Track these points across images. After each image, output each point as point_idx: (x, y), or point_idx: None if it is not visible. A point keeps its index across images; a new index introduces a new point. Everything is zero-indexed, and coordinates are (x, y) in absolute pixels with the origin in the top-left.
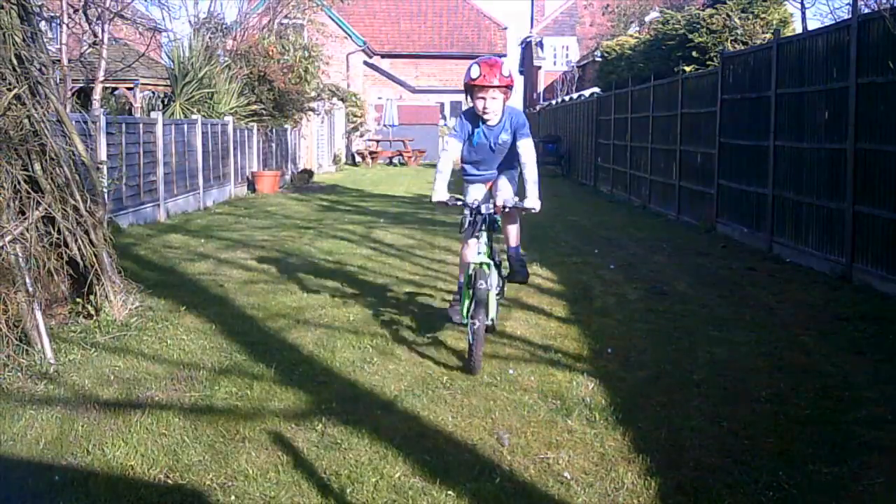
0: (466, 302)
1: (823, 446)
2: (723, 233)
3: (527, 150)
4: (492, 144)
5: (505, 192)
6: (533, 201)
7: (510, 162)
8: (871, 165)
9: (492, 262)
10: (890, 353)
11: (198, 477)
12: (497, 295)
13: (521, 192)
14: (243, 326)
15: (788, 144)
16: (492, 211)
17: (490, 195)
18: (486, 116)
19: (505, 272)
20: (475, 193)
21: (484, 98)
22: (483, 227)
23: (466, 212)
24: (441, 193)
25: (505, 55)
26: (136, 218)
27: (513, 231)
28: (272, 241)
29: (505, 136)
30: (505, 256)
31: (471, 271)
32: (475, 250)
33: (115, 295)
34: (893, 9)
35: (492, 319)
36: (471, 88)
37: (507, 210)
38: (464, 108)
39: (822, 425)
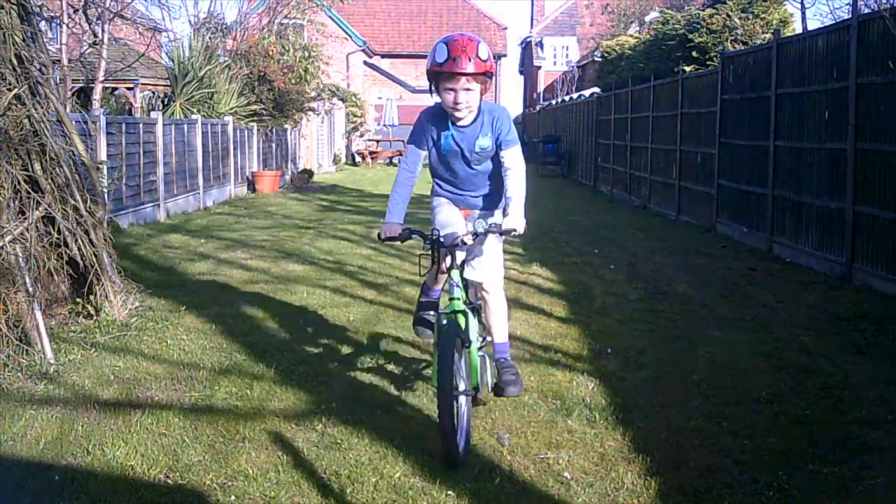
0: (437, 365)
1: (823, 446)
2: (723, 233)
3: (514, 160)
4: (466, 152)
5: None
6: (515, 220)
7: (496, 181)
8: (871, 165)
9: (468, 310)
10: (890, 353)
11: (198, 477)
12: (480, 347)
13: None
14: (243, 326)
15: (788, 144)
16: (456, 241)
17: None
18: (457, 114)
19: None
20: (447, 217)
21: (454, 90)
22: (453, 265)
23: (425, 245)
24: (391, 225)
25: (505, 55)
26: (136, 218)
27: (497, 316)
28: (272, 241)
29: (485, 142)
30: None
31: (441, 322)
32: (442, 287)
33: (115, 295)
34: (893, 9)
35: (476, 387)
36: (436, 76)
37: (477, 238)
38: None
39: (822, 425)
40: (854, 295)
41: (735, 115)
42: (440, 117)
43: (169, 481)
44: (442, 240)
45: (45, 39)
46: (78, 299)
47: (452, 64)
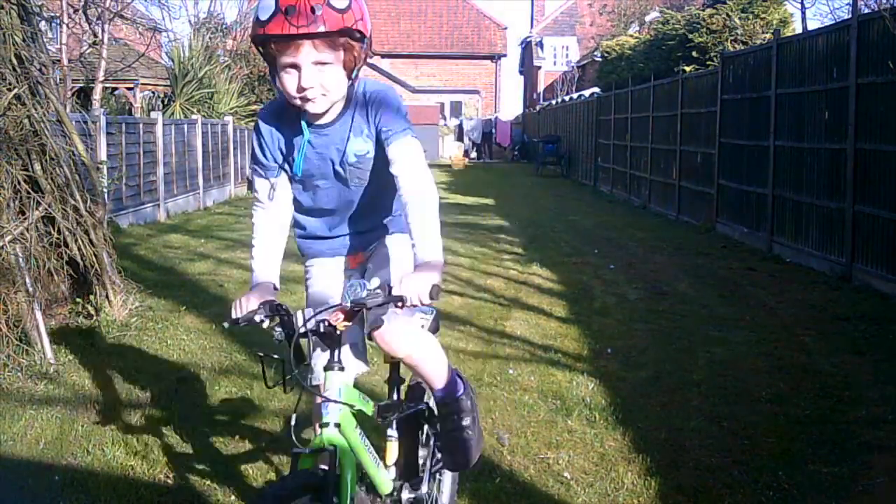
0: None
1: (823, 446)
2: (723, 233)
3: (404, 159)
4: (337, 166)
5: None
6: (417, 279)
7: (392, 197)
8: (871, 165)
9: (365, 441)
10: (890, 353)
11: (198, 477)
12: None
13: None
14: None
15: (788, 144)
16: (320, 327)
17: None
18: (309, 108)
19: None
20: (326, 290)
21: (297, 67)
22: (330, 363)
23: (276, 333)
24: (248, 297)
25: (505, 55)
26: (136, 218)
27: (424, 362)
28: None
29: (361, 145)
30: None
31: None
32: (326, 407)
33: (115, 295)
34: (893, 9)
35: None
36: (265, 46)
37: (356, 311)
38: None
39: (822, 425)
40: (854, 295)
41: (735, 115)
42: (286, 118)
43: (169, 481)
44: (301, 327)
45: (45, 39)
46: (78, 299)
47: (283, 21)
